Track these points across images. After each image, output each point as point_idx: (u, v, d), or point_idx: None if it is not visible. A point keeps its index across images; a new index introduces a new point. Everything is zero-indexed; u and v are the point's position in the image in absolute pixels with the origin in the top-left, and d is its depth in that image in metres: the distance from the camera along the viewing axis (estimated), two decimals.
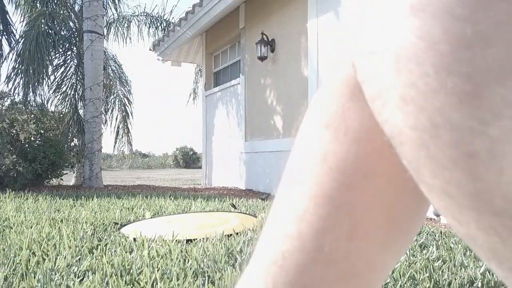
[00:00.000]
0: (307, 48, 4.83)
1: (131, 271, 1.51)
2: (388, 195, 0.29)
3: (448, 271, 1.51)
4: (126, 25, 9.36)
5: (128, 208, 3.48)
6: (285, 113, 5.32)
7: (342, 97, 0.29)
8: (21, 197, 4.50)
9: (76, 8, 8.39)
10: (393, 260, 0.32)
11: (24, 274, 1.50)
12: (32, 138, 6.47)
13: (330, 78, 0.31)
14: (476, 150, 0.17)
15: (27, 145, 6.31)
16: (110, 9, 8.96)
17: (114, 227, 2.56)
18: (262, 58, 5.49)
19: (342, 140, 0.28)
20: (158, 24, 9.42)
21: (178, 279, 1.40)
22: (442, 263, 1.64)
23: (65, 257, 1.74)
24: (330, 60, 4.54)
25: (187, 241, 2.09)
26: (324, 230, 0.28)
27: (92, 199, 4.20)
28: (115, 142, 9.38)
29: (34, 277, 1.46)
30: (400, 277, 1.45)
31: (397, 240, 0.30)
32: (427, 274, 1.44)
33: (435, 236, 2.21)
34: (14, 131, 6.13)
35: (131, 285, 1.36)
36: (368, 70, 0.22)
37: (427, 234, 2.25)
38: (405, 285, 1.40)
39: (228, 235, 2.21)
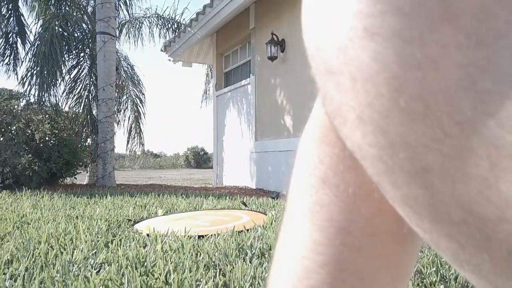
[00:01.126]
0: None
1: (145, 263, 1.56)
2: (392, 251, 0.30)
3: None
4: (137, 26, 9.48)
5: (141, 206, 3.55)
6: (295, 112, 5.35)
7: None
8: (37, 195, 4.61)
9: (89, 10, 8.52)
10: None
11: (44, 265, 1.57)
12: (47, 138, 6.60)
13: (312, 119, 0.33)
14: (430, 166, 0.18)
15: (42, 145, 6.44)
16: (122, 11, 9.10)
17: (127, 224, 2.62)
18: (272, 58, 5.53)
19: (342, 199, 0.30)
20: (169, 26, 9.52)
21: (190, 271, 1.45)
22: None
23: (81, 250, 1.80)
24: None
25: (199, 237, 2.14)
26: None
27: (106, 197, 4.28)
28: (128, 142, 9.50)
29: (53, 268, 1.52)
30: None
31: (399, 285, 0.32)
32: (434, 269, 1.47)
33: None
34: (30, 131, 6.26)
35: (146, 276, 1.41)
36: (327, 89, 0.22)
37: None
38: (412, 278, 1.42)
39: (239, 231, 2.25)
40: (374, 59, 0.18)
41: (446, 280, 1.42)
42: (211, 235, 2.16)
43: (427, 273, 1.45)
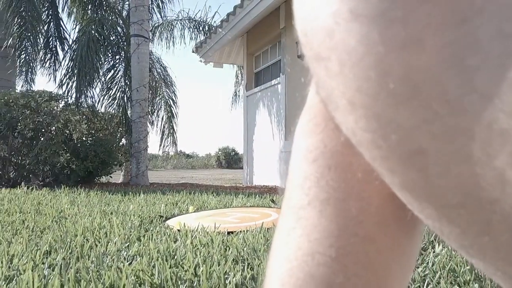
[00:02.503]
0: None
1: (176, 256, 1.60)
2: (401, 242, 0.29)
3: None
4: (169, 29, 9.68)
5: (173, 203, 3.62)
6: None
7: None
8: (74, 192, 4.79)
9: (124, 14, 8.78)
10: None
11: (79, 256, 1.63)
12: (84, 138, 6.85)
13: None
14: (423, 148, 0.18)
15: (79, 145, 6.69)
16: (155, 14, 9.32)
17: (159, 220, 2.68)
18: (302, 57, 5.49)
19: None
20: (201, 28, 9.67)
21: (219, 264, 1.47)
22: None
23: (115, 243, 1.86)
24: None
25: (228, 233, 2.16)
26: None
27: (139, 195, 4.40)
28: (161, 142, 9.72)
29: (88, 259, 1.58)
30: (440, 269, 1.44)
31: (406, 275, 0.31)
32: (468, 267, 1.42)
33: None
34: (68, 131, 6.52)
35: (176, 268, 1.44)
36: (318, 75, 0.22)
37: None
38: (445, 277, 1.39)
39: (267, 228, 2.26)
40: (360, 42, 0.18)
41: (481, 279, 1.37)
42: (240, 231, 2.18)
43: (461, 272, 1.40)
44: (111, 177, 7.45)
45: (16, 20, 7.82)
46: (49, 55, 8.81)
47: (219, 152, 35.15)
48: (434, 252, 1.69)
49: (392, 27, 0.17)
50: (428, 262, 1.53)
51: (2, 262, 1.51)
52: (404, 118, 0.18)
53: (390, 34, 0.17)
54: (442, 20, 0.16)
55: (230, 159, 34.06)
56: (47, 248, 1.78)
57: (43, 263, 1.55)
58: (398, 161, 0.19)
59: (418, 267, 1.48)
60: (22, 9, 7.81)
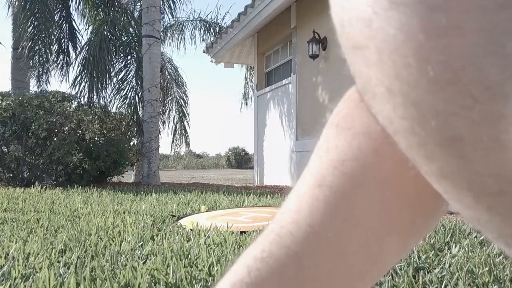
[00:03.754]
0: None
1: (189, 256, 1.60)
2: (387, 197, 0.30)
3: (511, 267, 1.45)
4: (180, 29, 9.73)
5: (185, 203, 3.63)
6: None
7: (351, 101, 0.32)
8: (87, 191, 4.84)
9: (136, 14, 8.84)
10: (389, 258, 0.33)
11: (94, 255, 1.64)
12: (96, 138, 6.91)
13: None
14: (462, 134, 0.18)
15: (91, 144, 6.75)
16: (167, 14, 9.37)
17: (171, 219, 2.69)
18: (313, 57, 5.48)
19: (344, 135, 0.32)
20: (211, 30, 9.70)
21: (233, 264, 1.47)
22: (504, 259, 1.57)
23: (129, 242, 1.87)
24: None
25: (241, 232, 2.15)
26: (318, 211, 0.31)
27: (151, 194, 4.42)
28: (173, 142, 9.77)
29: (103, 258, 1.59)
30: (458, 271, 1.41)
31: (390, 244, 0.32)
32: (487, 269, 1.39)
33: None
34: (80, 131, 6.58)
35: (190, 267, 1.44)
36: (355, 65, 0.22)
37: None
38: (463, 278, 1.36)
39: None
40: (400, 30, 0.18)
41: (500, 281, 1.34)
42: (253, 230, 2.17)
43: (479, 273, 1.37)
44: (122, 176, 7.50)
45: (30, 22, 7.93)
46: (61, 56, 8.92)
47: (229, 152, 35.22)
48: (450, 253, 1.66)
49: (432, 14, 0.17)
50: (445, 263, 1.51)
51: (18, 261, 1.52)
52: (443, 105, 0.18)
53: (430, 21, 0.17)
54: (481, 6, 0.16)
55: (240, 159, 34.11)
56: (62, 247, 1.79)
57: (58, 262, 1.56)
58: (437, 148, 0.19)
59: (435, 269, 1.46)
60: (36, 10, 7.92)
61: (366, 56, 0.20)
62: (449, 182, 0.20)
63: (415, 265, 1.49)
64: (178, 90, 9.85)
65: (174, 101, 9.82)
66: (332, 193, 0.31)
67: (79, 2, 8.82)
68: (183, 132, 9.81)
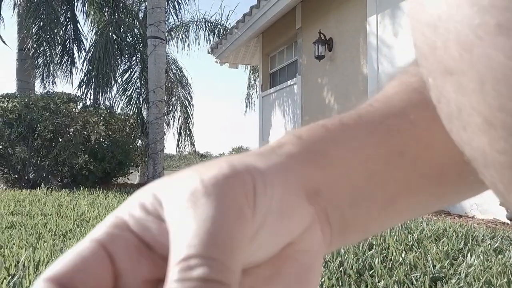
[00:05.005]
0: (366, 46, 4.72)
1: None
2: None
3: None
4: (184, 30, 9.72)
5: None
6: (343, 111, 5.24)
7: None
8: (92, 193, 4.83)
9: (140, 15, 8.84)
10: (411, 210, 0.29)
11: None
12: (101, 139, 6.92)
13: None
14: None
15: (97, 146, 6.75)
16: (172, 15, 9.36)
17: None
18: (319, 57, 5.45)
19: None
20: (216, 31, 9.69)
21: None
22: None
23: None
24: (391, 57, 4.41)
25: None
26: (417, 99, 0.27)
27: None
28: (178, 143, 9.77)
29: None
30: (475, 281, 1.39)
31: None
32: (505, 280, 1.37)
33: (511, 240, 2.08)
34: (86, 133, 6.59)
35: None
36: (443, 91, 0.21)
37: (502, 239, 2.12)
38: None
39: None
40: (510, 57, 0.16)
41: None
42: None
43: (498, 284, 1.35)
44: (128, 178, 7.50)
45: (35, 23, 7.94)
46: (66, 57, 8.93)
47: (233, 152, 35.27)
48: (465, 261, 1.64)
49: None
50: (461, 273, 1.49)
51: (29, 269, 1.51)
52: None
53: None
54: None
55: None
56: None
57: None
58: None
59: (451, 279, 1.44)
60: (41, 12, 7.93)
61: (461, 84, 0.19)
62: None
63: (431, 275, 1.46)
64: (183, 91, 9.85)
65: (178, 102, 9.82)
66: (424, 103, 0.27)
67: (84, 3, 8.83)
68: (187, 132, 9.81)
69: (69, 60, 8.89)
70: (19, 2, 8.52)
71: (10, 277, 1.44)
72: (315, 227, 0.22)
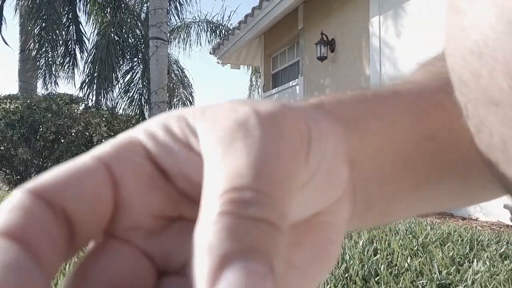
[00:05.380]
0: (369, 47, 4.72)
1: None
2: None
3: None
4: (187, 31, 9.73)
5: None
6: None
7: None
8: None
9: (142, 16, 8.84)
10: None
11: None
12: (104, 140, 6.92)
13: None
14: None
15: None
16: (174, 16, 9.36)
17: None
18: (321, 58, 5.45)
19: None
20: (218, 32, 9.69)
21: None
22: None
23: None
24: (393, 59, 4.40)
25: None
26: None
27: None
28: None
29: None
30: None
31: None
32: None
33: None
34: (88, 134, 6.59)
35: None
36: (486, 122, 0.19)
37: (507, 243, 2.11)
38: None
39: None
40: None
41: None
42: None
43: None
44: None
45: (37, 23, 7.95)
46: (68, 58, 8.93)
47: None
48: (471, 267, 1.63)
49: None
50: (467, 280, 1.48)
51: None
52: None
53: None
54: None
55: None
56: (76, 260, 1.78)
57: None
58: None
59: (457, 286, 1.43)
60: (43, 12, 7.93)
61: (509, 116, 0.18)
62: None
63: (438, 282, 1.46)
64: (185, 92, 9.85)
65: (180, 103, 9.82)
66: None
67: (86, 4, 8.83)
68: None
69: (71, 61, 8.90)
70: (21, 3, 8.53)
71: None
72: (345, 200, 0.20)
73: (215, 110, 0.16)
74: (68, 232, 0.13)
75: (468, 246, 1.99)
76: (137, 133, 0.16)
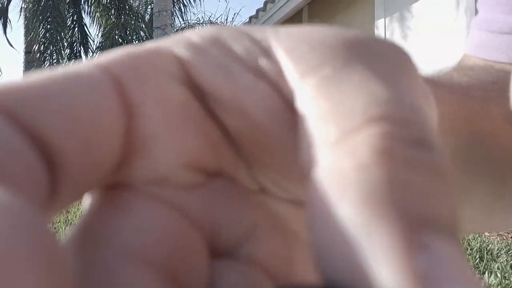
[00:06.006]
0: None
1: None
2: None
3: None
4: None
5: None
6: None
7: None
8: None
9: (146, 18, 8.85)
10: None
11: None
12: None
13: None
14: None
15: None
16: (178, 17, 9.36)
17: None
18: None
19: None
20: None
21: None
22: None
23: None
24: None
25: None
26: None
27: None
28: None
29: None
30: None
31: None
32: None
33: None
34: None
35: None
36: None
37: None
38: None
39: None
40: None
41: None
42: None
43: None
44: None
45: (41, 25, 7.97)
46: (73, 59, 8.97)
47: None
48: (484, 281, 1.60)
49: None
50: None
51: None
52: None
53: None
54: None
55: None
56: None
57: None
58: None
59: None
60: (48, 15, 7.96)
61: None
62: None
63: None
64: None
65: None
66: None
67: (90, 6, 8.86)
68: None
69: (77, 63, 8.92)
70: (26, 6, 8.56)
71: None
72: None
73: (292, 31, 0.10)
74: (47, 173, 0.08)
75: (478, 255, 1.96)
76: (171, 43, 0.10)
